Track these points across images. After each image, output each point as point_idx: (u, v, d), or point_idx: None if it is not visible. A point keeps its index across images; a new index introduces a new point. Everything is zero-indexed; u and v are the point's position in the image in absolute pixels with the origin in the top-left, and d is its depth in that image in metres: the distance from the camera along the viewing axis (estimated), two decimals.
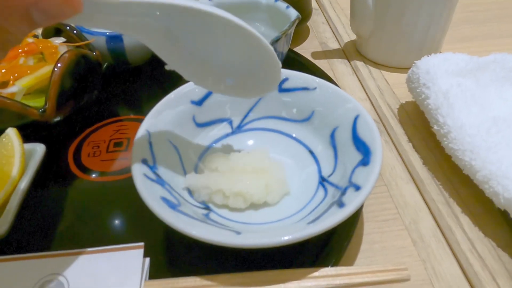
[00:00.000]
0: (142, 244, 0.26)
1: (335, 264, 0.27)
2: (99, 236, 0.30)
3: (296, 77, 0.35)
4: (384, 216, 0.33)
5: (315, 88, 0.35)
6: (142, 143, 0.30)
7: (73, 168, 0.36)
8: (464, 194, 0.34)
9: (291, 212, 0.30)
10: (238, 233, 0.24)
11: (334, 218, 0.24)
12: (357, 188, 0.26)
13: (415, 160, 0.37)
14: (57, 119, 0.37)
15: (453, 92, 0.34)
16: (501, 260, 0.29)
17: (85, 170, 0.36)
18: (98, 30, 0.45)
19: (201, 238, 0.23)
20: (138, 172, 0.27)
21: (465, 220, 0.32)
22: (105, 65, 0.49)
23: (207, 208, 0.30)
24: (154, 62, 0.49)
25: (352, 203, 0.25)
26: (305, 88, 0.35)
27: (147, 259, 0.26)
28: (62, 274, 0.25)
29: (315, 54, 0.53)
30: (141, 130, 0.30)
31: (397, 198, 0.35)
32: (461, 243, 0.30)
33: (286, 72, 0.36)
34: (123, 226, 0.31)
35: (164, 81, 0.48)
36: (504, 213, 0.30)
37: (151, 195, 0.26)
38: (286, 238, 0.23)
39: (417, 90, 0.38)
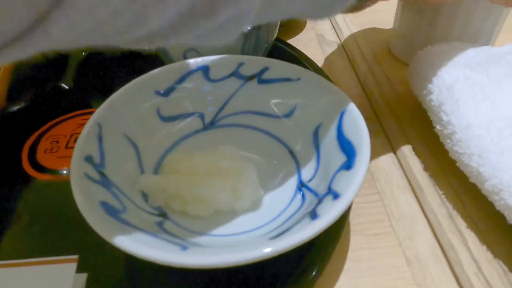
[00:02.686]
0: (75, 257, 0.22)
1: (309, 286, 0.23)
2: (37, 246, 0.26)
3: (278, 66, 0.31)
4: (375, 230, 0.29)
5: (298, 79, 0.30)
6: (89, 137, 0.25)
7: (26, 165, 0.32)
8: (470, 206, 0.29)
9: (263, 221, 0.25)
10: (184, 248, 0.20)
11: (302, 234, 0.19)
12: (336, 196, 0.22)
13: (415, 165, 0.32)
14: (12, 109, 0.34)
15: (459, 86, 0.29)
16: None
17: (39, 167, 0.32)
18: None
19: (133, 253, 0.19)
20: (77, 171, 0.23)
21: (470, 237, 0.27)
22: (82, 55, 0.45)
23: (163, 214, 0.26)
24: (132, 53, 0.45)
25: (326, 214, 0.20)
26: (287, 79, 0.30)
27: (83, 275, 0.22)
28: None
29: (310, 47, 0.48)
30: (90, 123, 0.26)
31: (391, 209, 0.30)
32: (464, 264, 0.25)
33: (266, 61, 0.31)
34: (65, 235, 0.27)
35: (141, 73, 0.44)
36: None
37: (87, 198, 0.21)
38: (238, 257, 0.18)
39: (419, 85, 0.33)
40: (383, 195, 0.31)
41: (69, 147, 0.34)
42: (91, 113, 0.37)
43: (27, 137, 0.35)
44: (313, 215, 0.21)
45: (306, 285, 0.23)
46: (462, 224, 0.28)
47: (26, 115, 0.36)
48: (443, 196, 0.30)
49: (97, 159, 0.25)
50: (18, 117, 0.34)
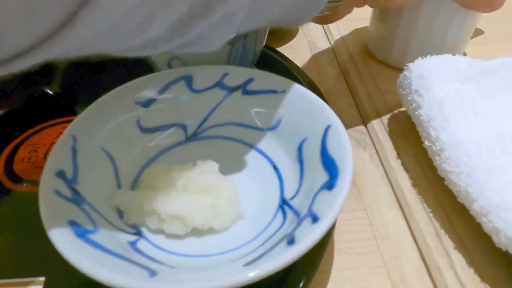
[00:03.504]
0: (42, 279, 0.21)
1: None
2: (2, 263, 0.25)
3: (263, 78, 0.30)
4: (360, 248, 0.28)
5: (283, 91, 0.29)
6: (62, 150, 0.24)
7: (1, 175, 0.31)
8: (458, 226, 0.28)
9: (243, 241, 0.24)
10: (153, 274, 0.19)
11: (278, 260, 0.18)
12: (315, 219, 0.21)
13: (404, 180, 0.31)
14: None
15: (450, 101, 0.28)
16: None
17: (15, 178, 0.31)
18: None
19: (97, 278, 0.18)
20: (46, 188, 0.22)
21: (458, 258, 0.26)
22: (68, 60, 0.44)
23: (138, 233, 0.25)
24: (119, 58, 0.44)
25: (304, 240, 0.19)
26: (272, 91, 0.29)
27: None
28: None
29: (301, 55, 0.47)
30: (64, 135, 0.25)
31: (377, 227, 0.29)
32: (450, 287, 0.25)
33: (251, 72, 0.30)
34: (34, 253, 0.25)
35: (129, 79, 0.43)
36: (506, 254, 0.24)
37: (54, 217, 0.21)
38: (207, 286, 0.17)
39: (408, 98, 0.32)
40: (370, 212, 0.30)
41: (47, 157, 0.33)
42: (71, 121, 0.37)
43: (6, 144, 0.34)
44: (290, 239, 0.20)
45: None
46: (449, 244, 0.27)
47: (4, 123, 0.35)
48: (431, 214, 0.29)
49: (69, 174, 0.24)
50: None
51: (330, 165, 0.24)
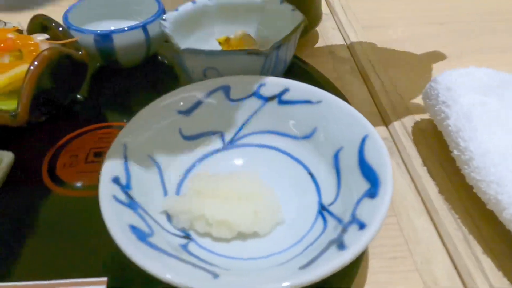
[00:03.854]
0: (104, 279, 0.22)
1: None
2: (62, 265, 0.26)
3: (298, 89, 0.31)
4: (393, 253, 0.29)
5: (319, 102, 0.30)
6: (115, 157, 0.26)
7: (46, 179, 0.33)
8: (486, 232, 0.29)
9: (285, 245, 0.26)
10: (216, 276, 0.20)
11: (332, 264, 0.20)
12: (362, 226, 0.22)
13: (430, 187, 0.33)
14: (32, 124, 0.34)
15: (476, 113, 0.30)
16: None
17: (59, 182, 0.32)
18: (88, 28, 0.41)
19: (166, 280, 0.19)
20: (106, 194, 0.23)
21: (487, 262, 0.28)
22: (97, 65, 0.46)
23: (187, 236, 0.26)
24: (147, 65, 0.46)
25: (354, 245, 0.20)
26: (307, 101, 0.31)
27: None
28: None
29: (322, 63, 0.49)
30: (116, 143, 0.26)
31: (408, 232, 0.30)
32: None
33: (287, 83, 0.32)
34: (91, 254, 0.27)
35: (157, 86, 0.44)
36: None
37: (117, 222, 0.22)
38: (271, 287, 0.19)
39: (435, 108, 0.33)
40: (400, 218, 0.31)
41: (88, 161, 0.34)
42: (108, 127, 0.38)
43: (45, 151, 0.35)
44: (340, 245, 0.21)
45: None
46: (478, 249, 0.28)
47: (45, 129, 0.36)
48: (458, 220, 0.30)
49: (123, 180, 0.25)
50: (38, 130, 0.35)
51: (369, 174, 0.25)
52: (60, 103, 0.38)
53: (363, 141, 0.27)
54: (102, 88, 0.43)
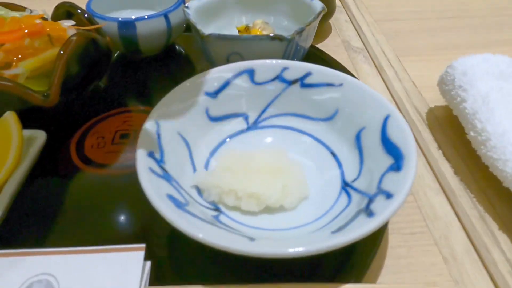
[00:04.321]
0: (143, 245, 0.23)
1: (357, 280, 0.24)
2: (97, 234, 0.28)
3: (320, 72, 0.32)
4: (411, 229, 0.30)
5: (341, 85, 0.32)
6: (149, 134, 0.27)
7: (75, 158, 0.34)
8: (501, 210, 0.31)
9: (310, 219, 0.27)
10: (252, 239, 0.21)
11: (364, 228, 0.21)
12: (388, 195, 0.23)
13: (446, 169, 0.34)
14: (61, 105, 0.35)
15: (494, 96, 0.31)
16: None
17: (88, 161, 0.34)
18: (110, 15, 0.42)
19: (209, 243, 0.20)
20: (143, 166, 0.24)
21: (502, 238, 0.29)
22: (116, 54, 0.47)
23: (217, 209, 0.27)
24: (168, 53, 0.47)
25: (383, 212, 0.22)
26: (330, 84, 0.32)
27: (148, 263, 0.24)
28: (52, 274, 0.22)
29: (337, 53, 0.50)
30: (150, 120, 0.28)
31: (425, 209, 0.31)
32: (498, 263, 0.27)
33: (309, 66, 0.33)
34: (123, 224, 0.28)
35: (178, 73, 0.45)
36: None
37: (156, 191, 0.23)
38: (309, 248, 0.20)
39: (452, 93, 0.34)
40: (417, 196, 0.32)
41: (114, 143, 0.35)
42: (130, 111, 0.39)
43: (73, 132, 0.36)
44: (369, 213, 0.23)
45: (354, 278, 0.24)
46: (494, 225, 0.30)
47: (72, 112, 0.37)
48: (474, 199, 0.32)
49: (158, 155, 0.26)
50: (65, 113, 0.36)
51: (393, 150, 0.26)
52: (86, 88, 0.39)
53: (385, 120, 0.28)
54: (123, 76, 0.45)
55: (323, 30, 0.54)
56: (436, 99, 0.41)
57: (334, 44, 0.52)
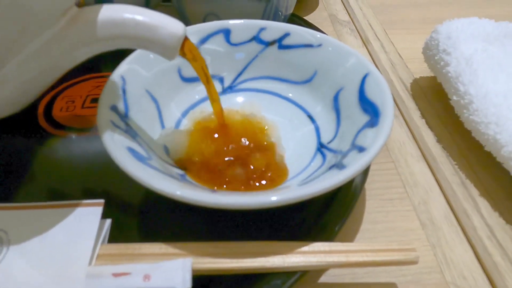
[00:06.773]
0: (102, 201, 0.22)
1: (329, 240, 0.23)
2: (56, 192, 0.26)
3: (298, 33, 0.31)
4: (390, 195, 0.29)
5: (319, 45, 0.30)
6: (114, 88, 0.25)
7: (42, 121, 0.32)
8: (483, 176, 0.30)
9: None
10: (214, 191, 0.20)
11: (332, 179, 0.20)
12: (361, 149, 0.22)
13: (428, 136, 0.33)
14: None
15: (477, 58, 0.30)
16: None
17: (55, 124, 0.32)
18: None
19: (167, 193, 0.19)
20: (104, 118, 0.23)
21: (483, 204, 0.28)
22: None
23: (184, 169, 0.26)
24: None
25: (354, 164, 0.20)
26: (308, 45, 0.31)
27: (108, 221, 0.22)
28: (3, 229, 0.21)
29: (323, 26, 0.48)
30: (115, 75, 0.26)
31: (405, 176, 0.30)
32: (478, 228, 0.26)
33: (288, 27, 0.31)
34: (84, 182, 0.27)
35: None
36: None
37: (115, 143, 0.22)
38: (271, 199, 0.18)
39: (436, 58, 0.33)
40: (398, 163, 0.31)
41: (85, 107, 0.34)
42: (104, 76, 0.38)
43: (41, 97, 0.35)
44: (341, 166, 0.21)
45: (326, 239, 0.23)
46: (475, 192, 0.29)
47: None
48: (456, 166, 0.30)
49: (122, 110, 0.25)
50: None
51: (370, 108, 0.25)
52: None
53: (363, 79, 0.27)
54: None
55: (310, 3, 0.53)
56: (421, 70, 0.39)
57: (321, 18, 0.51)
